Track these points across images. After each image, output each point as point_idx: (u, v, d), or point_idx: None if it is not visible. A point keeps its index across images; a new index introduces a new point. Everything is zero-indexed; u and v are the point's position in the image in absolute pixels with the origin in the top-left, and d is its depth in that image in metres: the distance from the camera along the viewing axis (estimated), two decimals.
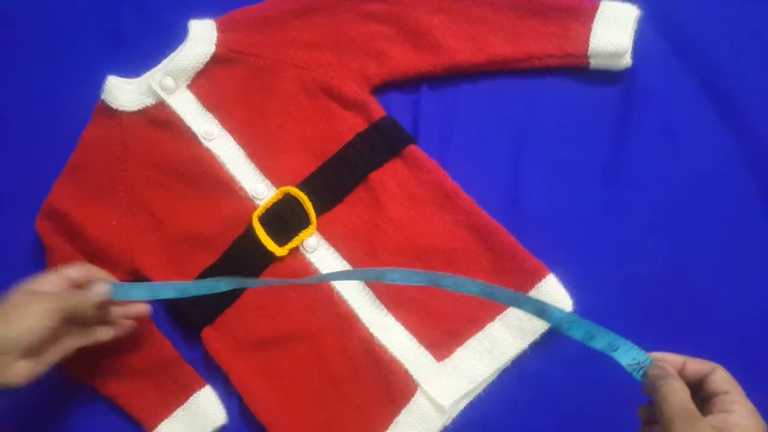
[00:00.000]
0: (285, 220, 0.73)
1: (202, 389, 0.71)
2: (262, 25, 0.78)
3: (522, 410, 0.69)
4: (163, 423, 0.71)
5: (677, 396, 0.48)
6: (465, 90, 0.78)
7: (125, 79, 0.77)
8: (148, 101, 0.77)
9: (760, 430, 0.46)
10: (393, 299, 0.71)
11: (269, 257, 0.73)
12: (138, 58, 0.78)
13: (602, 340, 0.53)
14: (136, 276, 0.74)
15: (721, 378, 0.50)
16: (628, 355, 0.53)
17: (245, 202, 0.74)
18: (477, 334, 0.70)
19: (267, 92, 0.77)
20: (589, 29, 0.75)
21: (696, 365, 0.52)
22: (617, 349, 0.53)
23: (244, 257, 0.73)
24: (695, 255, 0.71)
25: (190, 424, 0.71)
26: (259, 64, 0.77)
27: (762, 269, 0.71)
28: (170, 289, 0.65)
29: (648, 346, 0.69)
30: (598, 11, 0.75)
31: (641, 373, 0.53)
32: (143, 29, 0.83)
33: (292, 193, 0.73)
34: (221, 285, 0.63)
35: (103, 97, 0.76)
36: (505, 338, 0.69)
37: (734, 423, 0.46)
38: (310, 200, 0.73)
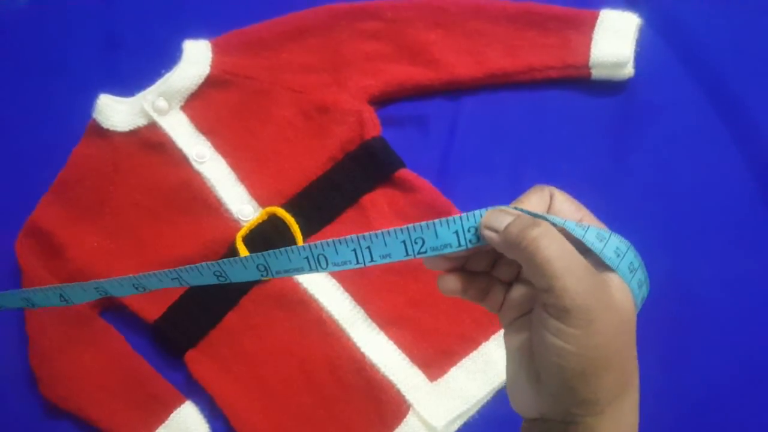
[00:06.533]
0: (270, 241, 0.79)
1: (183, 405, 0.77)
2: (258, 48, 0.86)
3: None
4: None
5: (559, 243, 0.38)
6: (466, 102, 0.85)
7: (118, 99, 0.85)
8: (140, 122, 0.84)
9: None
10: (385, 317, 0.77)
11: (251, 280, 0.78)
12: (133, 76, 0.87)
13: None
14: (111, 301, 0.81)
15: (563, 203, 0.42)
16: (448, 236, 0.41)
17: (230, 223, 0.81)
18: (471, 354, 0.74)
19: (262, 116, 0.84)
20: (590, 39, 0.81)
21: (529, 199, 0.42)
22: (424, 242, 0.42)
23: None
24: (698, 269, 0.76)
25: None
26: (255, 87, 0.85)
27: (766, 283, 0.75)
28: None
29: (650, 361, 0.73)
30: (598, 21, 0.82)
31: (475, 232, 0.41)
32: (138, 46, 0.92)
33: (278, 214, 0.80)
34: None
35: (94, 116, 0.85)
36: (500, 358, 0.74)
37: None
38: (296, 222, 0.79)
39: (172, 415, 0.77)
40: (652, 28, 0.83)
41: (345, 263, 0.42)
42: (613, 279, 0.39)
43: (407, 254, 0.41)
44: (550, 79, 0.83)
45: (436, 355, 0.75)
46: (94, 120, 0.85)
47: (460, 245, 0.41)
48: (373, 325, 0.77)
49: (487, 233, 0.40)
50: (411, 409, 0.74)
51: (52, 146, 0.85)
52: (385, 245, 0.42)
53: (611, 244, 0.40)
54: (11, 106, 0.92)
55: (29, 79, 0.93)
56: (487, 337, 0.75)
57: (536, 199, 0.41)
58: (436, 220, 0.41)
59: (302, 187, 0.81)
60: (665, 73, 0.83)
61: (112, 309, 0.81)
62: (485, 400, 0.74)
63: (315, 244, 0.42)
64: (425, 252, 0.41)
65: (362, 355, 0.75)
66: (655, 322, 0.74)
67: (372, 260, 0.42)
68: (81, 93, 0.85)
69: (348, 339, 0.76)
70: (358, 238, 0.42)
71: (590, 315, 0.36)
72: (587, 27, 0.82)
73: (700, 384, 0.73)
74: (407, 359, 0.75)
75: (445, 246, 0.41)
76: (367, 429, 0.74)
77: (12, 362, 0.81)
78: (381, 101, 0.85)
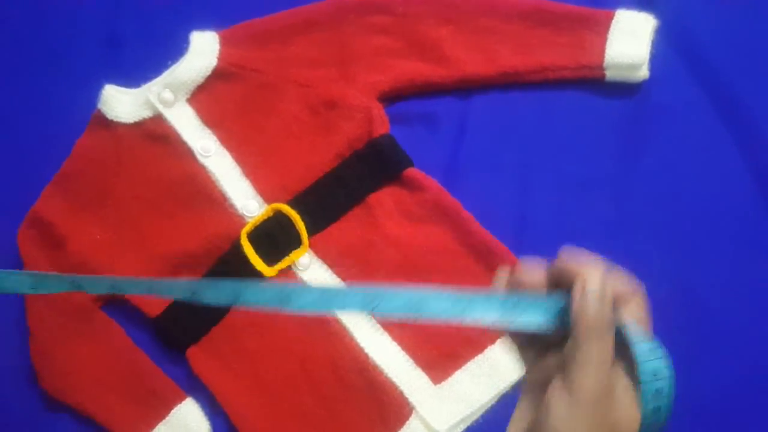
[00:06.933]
0: (275, 238, 0.79)
1: (183, 402, 0.77)
2: (265, 41, 0.86)
3: None
4: None
5: (610, 340, 0.38)
6: (476, 101, 0.84)
7: (123, 89, 0.85)
8: (145, 114, 0.84)
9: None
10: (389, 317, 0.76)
11: (257, 276, 0.79)
12: (137, 66, 0.87)
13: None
14: (113, 294, 0.80)
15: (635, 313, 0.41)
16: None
17: (234, 218, 0.80)
18: (476, 357, 0.74)
19: (268, 110, 0.84)
20: (605, 40, 0.81)
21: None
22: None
23: (230, 275, 0.79)
24: (707, 274, 0.76)
25: None
26: (261, 81, 0.85)
27: None
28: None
29: None
30: (613, 21, 0.81)
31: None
32: (143, 37, 0.92)
33: (284, 211, 0.79)
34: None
35: (99, 106, 0.84)
36: (505, 362, 0.74)
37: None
38: (302, 220, 0.79)
39: (172, 411, 0.77)
40: (666, 30, 0.82)
41: (311, 307, 0.42)
42: (626, 398, 0.39)
43: (362, 309, 0.42)
44: (563, 80, 0.82)
45: (440, 358, 0.75)
46: (99, 111, 0.84)
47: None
48: (377, 325, 0.76)
49: (584, 286, 0.39)
50: (414, 411, 0.74)
51: (56, 137, 0.85)
52: (344, 300, 0.42)
53: (653, 365, 0.40)
54: (16, 97, 0.92)
55: (34, 69, 0.93)
56: (492, 341, 0.74)
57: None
58: (391, 289, 0.41)
59: (308, 184, 0.80)
60: (679, 77, 0.82)
61: (114, 303, 0.82)
62: (489, 405, 0.74)
63: (287, 286, 0.43)
64: (379, 311, 0.41)
65: (365, 355, 0.75)
66: (662, 327, 0.75)
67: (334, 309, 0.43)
68: (86, 84, 0.85)
69: (351, 339, 0.76)
70: (324, 289, 0.43)
71: (586, 398, 0.38)
72: (602, 27, 0.81)
73: (707, 391, 0.73)
74: (411, 361, 0.75)
75: (396, 309, 0.41)
76: (369, 430, 0.74)
77: (12, 355, 0.81)
78: (390, 98, 0.84)
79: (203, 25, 0.86)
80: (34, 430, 0.80)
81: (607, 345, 0.38)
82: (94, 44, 0.93)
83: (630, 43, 0.80)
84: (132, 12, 0.94)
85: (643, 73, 0.80)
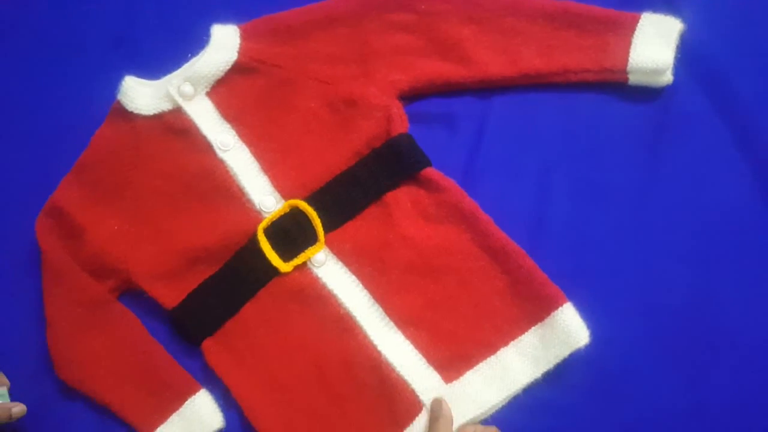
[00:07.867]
0: (291, 234, 0.80)
1: (197, 393, 0.78)
2: (286, 36, 0.87)
3: None
4: (158, 429, 0.78)
5: None
6: (496, 102, 0.85)
7: (143, 81, 0.86)
8: (165, 106, 0.85)
9: None
10: (403, 316, 0.77)
11: (272, 272, 0.80)
12: (158, 59, 0.88)
13: None
14: (130, 285, 0.82)
15: None
16: None
17: (251, 214, 0.82)
18: (489, 359, 0.75)
19: (288, 106, 0.85)
20: (629, 43, 0.81)
21: None
22: None
23: (245, 270, 0.80)
24: (723, 286, 0.76)
25: (186, 429, 0.78)
26: (282, 76, 0.85)
27: None
28: None
29: (670, 379, 0.73)
30: (638, 24, 0.81)
31: None
32: (164, 29, 0.94)
33: (301, 207, 0.80)
34: None
35: (119, 97, 0.86)
36: (517, 365, 0.74)
37: None
38: (318, 217, 0.80)
39: (186, 402, 0.78)
40: (690, 37, 0.82)
41: None
42: None
43: None
44: (585, 82, 0.83)
45: (453, 358, 0.76)
46: (119, 102, 0.86)
47: None
48: (391, 324, 0.77)
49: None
50: (424, 408, 0.75)
51: (75, 127, 0.87)
52: None
53: None
54: (36, 87, 0.94)
55: (54, 59, 0.94)
56: (506, 343, 0.75)
57: None
58: None
59: (326, 181, 0.81)
60: (701, 84, 0.82)
61: (131, 293, 0.83)
62: (500, 406, 0.75)
63: None
64: None
65: (378, 353, 0.76)
66: (675, 339, 0.75)
67: None
68: (106, 74, 0.87)
69: (365, 336, 0.77)
70: None
71: None
72: (627, 30, 0.81)
73: (723, 401, 0.73)
74: (423, 360, 0.76)
75: None
76: (379, 428, 0.75)
77: (30, 344, 0.83)
78: (409, 96, 0.85)
79: (224, 18, 0.87)
80: (51, 418, 0.82)
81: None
82: (114, 35, 0.94)
83: (655, 48, 0.80)
84: (152, 4, 0.95)
85: (667, 78, 0.81)
